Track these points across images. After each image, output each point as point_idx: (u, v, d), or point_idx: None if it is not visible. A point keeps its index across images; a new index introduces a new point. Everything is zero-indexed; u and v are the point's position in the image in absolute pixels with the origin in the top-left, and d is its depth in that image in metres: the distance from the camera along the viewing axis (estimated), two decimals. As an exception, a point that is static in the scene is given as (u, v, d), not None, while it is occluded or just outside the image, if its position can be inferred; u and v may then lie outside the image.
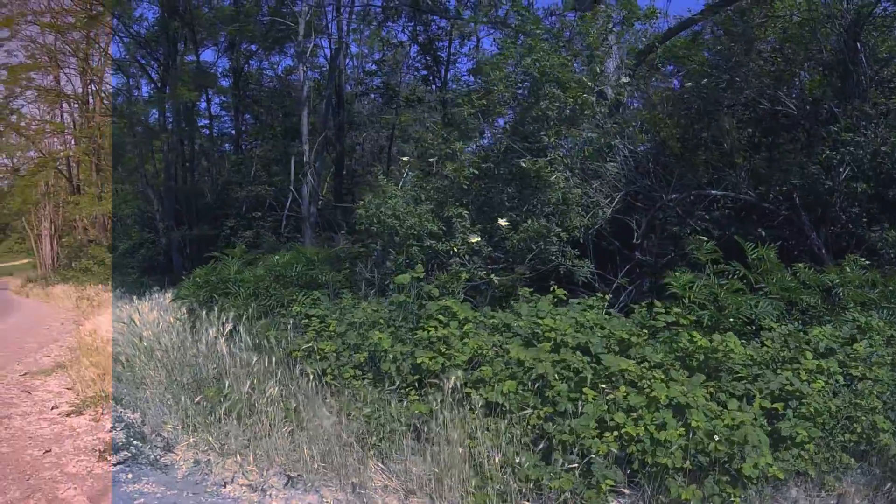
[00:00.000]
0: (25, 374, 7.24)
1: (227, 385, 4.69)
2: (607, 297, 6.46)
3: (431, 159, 6.28)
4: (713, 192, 8.63)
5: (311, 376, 4.67)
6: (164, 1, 15.32)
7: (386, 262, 5.87)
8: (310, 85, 14.03)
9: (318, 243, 10.52)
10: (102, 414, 5.49)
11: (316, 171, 13.15)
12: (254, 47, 17.21)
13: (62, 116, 24.71)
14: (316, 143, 13.01)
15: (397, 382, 4.62)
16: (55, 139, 24.85)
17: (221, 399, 4.64)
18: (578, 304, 5.54)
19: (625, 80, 7.16)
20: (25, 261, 55.64)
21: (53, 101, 23.66)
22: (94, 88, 23.44)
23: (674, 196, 8.40)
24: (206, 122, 18.94)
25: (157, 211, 16.55)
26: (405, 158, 6.60)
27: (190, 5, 15.30)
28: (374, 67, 17.91)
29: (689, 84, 9.22)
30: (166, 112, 16.54)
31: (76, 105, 23.79)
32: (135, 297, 10.53)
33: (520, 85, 6.50)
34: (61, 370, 7.21)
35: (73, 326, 11.56)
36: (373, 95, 17.64)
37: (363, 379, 4.76)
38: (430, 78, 16.11)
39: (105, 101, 21.60)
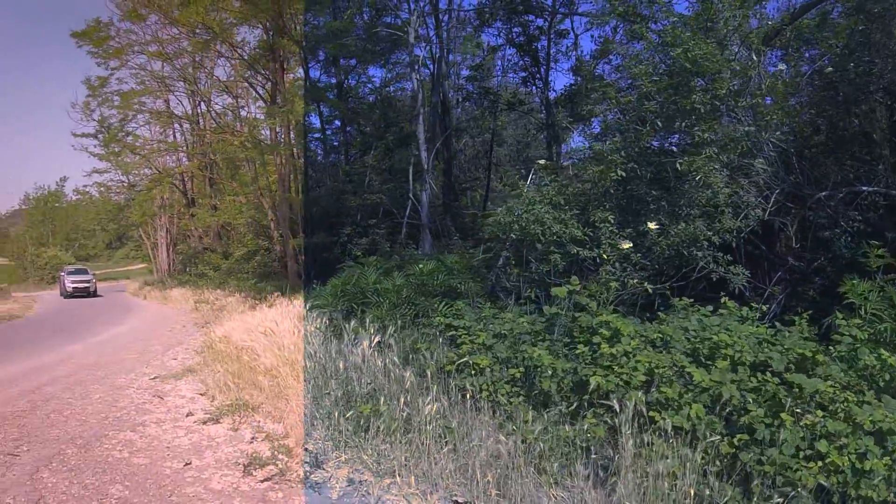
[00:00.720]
0: (155, 377, 7.19)
1: (381, 401, 4.54)
2: (762, 307, 5.82)
3: (567, 163, 5.93)
4: (865, 188, 7.62)
5: (468, 392, 4.45)
6: (271, 23, 16.16)
7: (525, 269, 5.58)
8: (423, 93, 14.13)
9: (437, 250, 10.48)
10: (241, 423, 5.34)
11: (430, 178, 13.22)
12: (353, 62, 17.71)
13: (174, 136, 26.92)
14: (433, 150, 13.06)
15: (558, 401, 4.31)
16: (169, 157, 27.09)
17: (376, 415, 4.47)
18: (726, 313, 5.02)
19: (782, 66, 6.41)
20: (141, 266, 61.35)
21: (166, 123, 25.74)
22: (202, 109, 25.32)
23: (824, 194, 7.52)
24: (318, 135, 19.78)
25: (271, 220, 17.42)
26: (541, 162, 6.28)
27: (297, 24, 16.00)
28: (470, 73, 17.88)
29: (830, 69, 8.22)
30: (276, 127, 17.42)
31: (187, 125, 25.77)
32: (260, 304, 10.96)
33: (663, 77, 5.98)
34: (191, 374, 7.23)
35: (195, 328, 12.19)
36: (472, 101, 17.55)
37: (518, 396, 4.49)
38: (530, 79, 15.76)
39: (215, 119, 23.25)
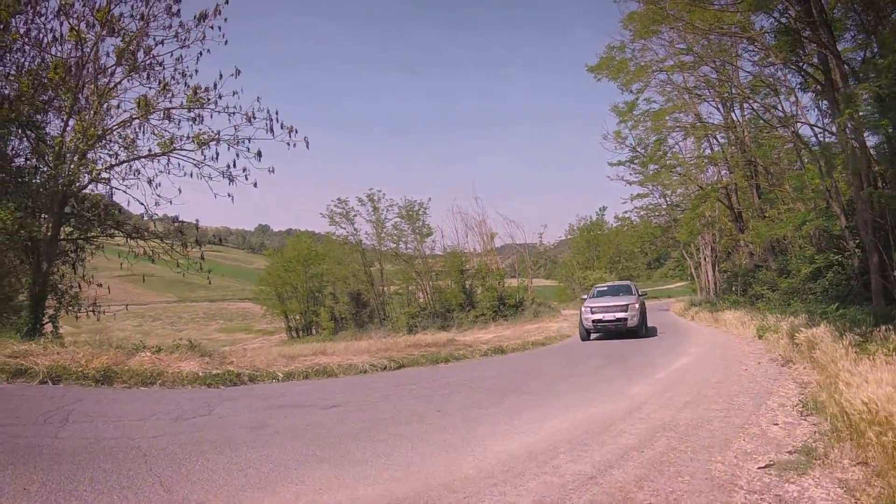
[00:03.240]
0: (766, 466, 4.52)
1: None
2: None
3: None
4: None
5: None
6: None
7: None
8: None
9: None
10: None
11: None
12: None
13: (710, 148, 26.00)
14: None
15: None
16: (708, 171, 26.32)
17: None
18: None
19: None
20: (680, 284, 63.97)
21: (700, 135, 25.08)
22: (736, 115, 23.40)
23: None
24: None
25: (844, 228, 13.77)
26: None
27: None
28: None
29: None
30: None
31: (722, 135, 24.39)
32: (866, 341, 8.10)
33: None
34: (817, 463, 4.45)
35: (773, 365, 10.16)
36: None
37: None
38: None
39: (753, 122, 21.01)
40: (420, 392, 8.20)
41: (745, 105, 21.52)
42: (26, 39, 9.86)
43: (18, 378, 6.74)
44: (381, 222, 37.66)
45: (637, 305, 15.13)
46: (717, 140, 24.93)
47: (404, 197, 52.66)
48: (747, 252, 22.76)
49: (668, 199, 29.88)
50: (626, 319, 14.87)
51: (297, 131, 11.05)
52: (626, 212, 49.15)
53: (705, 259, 30.69)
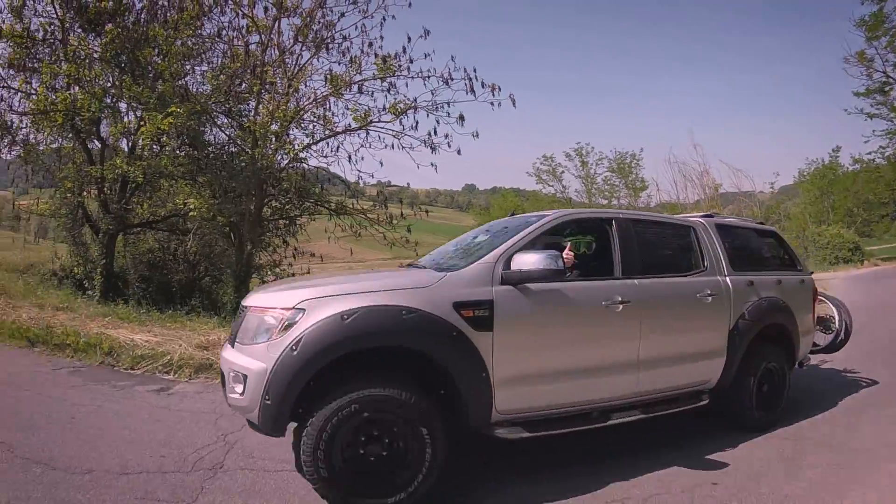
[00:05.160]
0: None
1: None
2: None
3: None
4: None
5: None
6: None
7: None
8: None
9: None
10: None
11: None
12: None
13: None
14: None
15: None
16: None
17: None
18: None
19: None
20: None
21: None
22: None
23: None
24: None
25: None
26: None
27: None
28: None
29: None
30: None
31: None
32: None
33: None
34: None
35: None
36: None
37: None
38: None
39: None
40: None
41: None
42: (216, 39, 10.30)
43: (201, 373, 6.41)
44: (591, 177, 34.08)
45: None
46: None
47: (614, 149, 46.81)
48: None
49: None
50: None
51: (500, 89, 9.86)
52: (869, 153, 37.28)
53: None
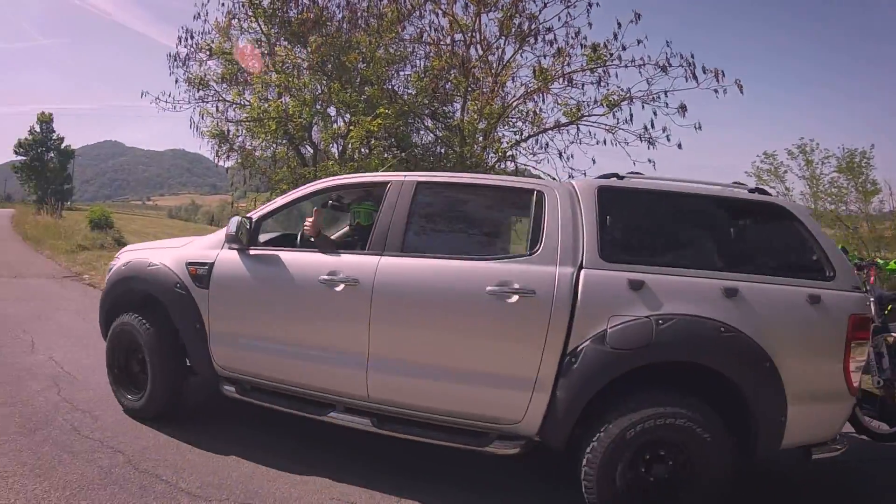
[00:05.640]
0: None
1: None
2: None
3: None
4: None
5: None
6: None
7: None
8: None
9: None
10: None
11: None
12: None
13: None
14: None
15: None
16: None
17: None
18: None
19: None
20: None
21: None
22: None
23: None
24: None
25: None
26: None
27: None
28: None
29: None
30: None
31: None
32: None
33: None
34: None
35: None
36: None
37: None
38: None
39: None
40: None
41: None
42: (418, 42, 10.24)
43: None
44: (817, 178, 29.40)
45: None
46: None
47: (842, 146, 39.69)
48: None
49: None
50: None
51: (724, 74, 8.54)
52: None
53: None
